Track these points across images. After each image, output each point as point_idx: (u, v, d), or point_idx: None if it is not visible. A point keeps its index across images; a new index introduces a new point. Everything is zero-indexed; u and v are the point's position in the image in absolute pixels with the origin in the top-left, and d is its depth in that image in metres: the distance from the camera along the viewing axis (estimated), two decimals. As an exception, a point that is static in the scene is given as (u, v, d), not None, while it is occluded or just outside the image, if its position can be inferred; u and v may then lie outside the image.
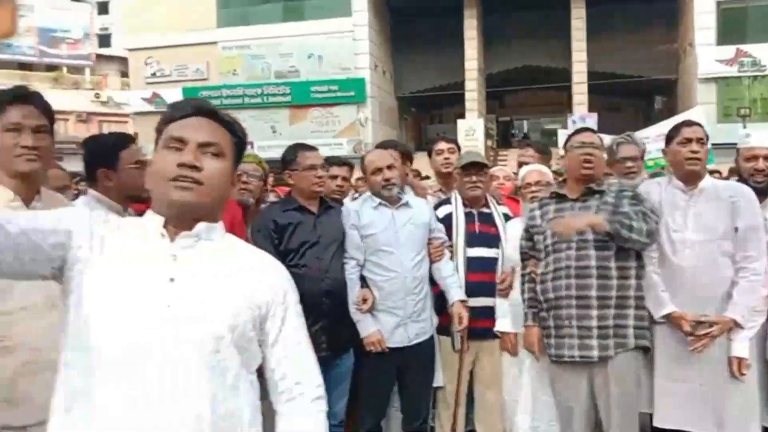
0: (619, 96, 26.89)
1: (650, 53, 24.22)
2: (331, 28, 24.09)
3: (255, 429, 1.31)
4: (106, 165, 2.39)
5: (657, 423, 2.79)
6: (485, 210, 3.30)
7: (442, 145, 3.85)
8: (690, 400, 2.71)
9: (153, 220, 1.28)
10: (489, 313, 3.17)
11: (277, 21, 24.81)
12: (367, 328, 2.96)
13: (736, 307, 2.64)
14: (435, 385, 3.20)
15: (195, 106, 1.33)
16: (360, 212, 3.05)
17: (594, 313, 2.66)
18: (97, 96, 29.86)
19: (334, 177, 3.54)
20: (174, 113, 1.32)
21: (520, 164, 3.73)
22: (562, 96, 26.53)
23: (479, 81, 25.26)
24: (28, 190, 1.88)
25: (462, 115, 24.56)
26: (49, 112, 1.93)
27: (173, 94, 25.39)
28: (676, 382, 2.74)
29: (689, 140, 2.79)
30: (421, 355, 3.08)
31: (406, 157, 3.73)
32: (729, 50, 21.46)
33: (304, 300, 2.76)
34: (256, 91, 24.75)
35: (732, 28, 21.64)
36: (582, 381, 2.73)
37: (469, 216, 3.25)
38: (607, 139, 3.63)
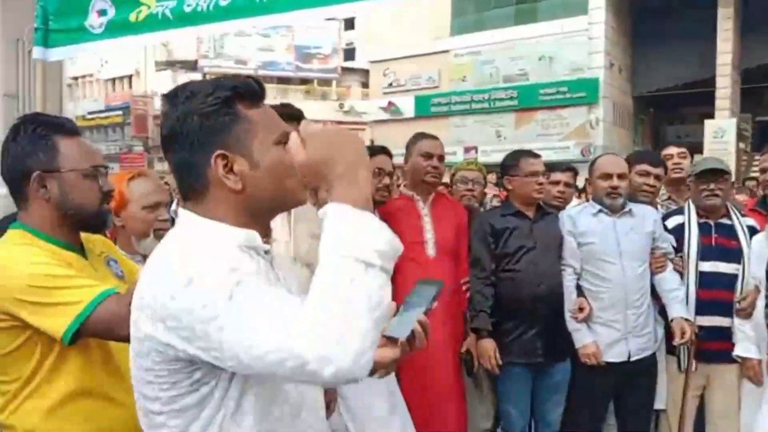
0: None
1: None
2: (564, 29, 23.46)
3: None
4: None
5: None
6: (725, 221, 3.03)
7: (672, 150, 3.71)
8: None
9: None
10: (723, 334, 2.91)
11: (509, 25, 24.81)
12: (583, 338, 2.91)
13: None
14: (656, 407, 3.04)
15: None
16: (577, 219, 3.02)
17: None
18: (340, 106, 32.83)
19: (556, 183, 3.54)
20: None
21: (763, 170, 3.34)
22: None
23: (733, 77, 22.48)
24: None
25: (709, 115, 22.08)
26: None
27: (406, 102, 27.01)
28: None
29: None
30: (641, 373, 2.95)
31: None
32: None
33: (519, 304, 2.89)
34: (483, 96, 25.06)
35: None
36: None
37: (704, 227, 3.01)
38: None
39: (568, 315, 2.95)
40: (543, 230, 3.02)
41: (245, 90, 1.13)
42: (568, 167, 3.69)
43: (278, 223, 2.13)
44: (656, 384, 3.02)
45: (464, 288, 3.04)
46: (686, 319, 2.86)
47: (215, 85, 1.12)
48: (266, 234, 1.18)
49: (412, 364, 2.73)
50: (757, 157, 4.39)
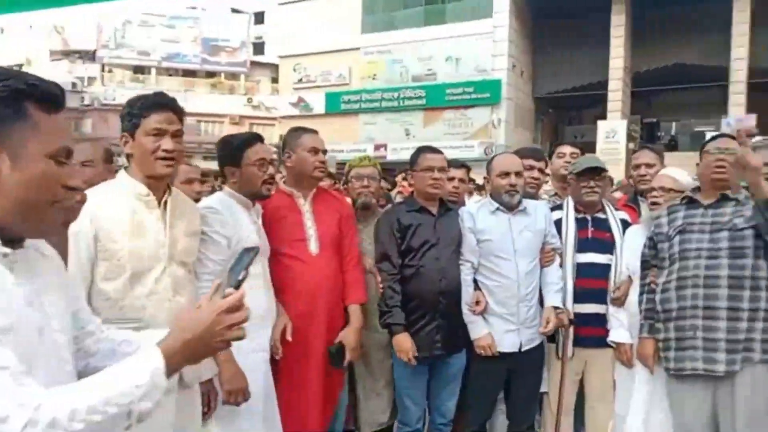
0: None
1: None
2: (471, 31, 24.09)
3: None
4: (232, 163, 2.61)
5: None
6: (600, 215, 3.23)
7: (566, 149, 3.84)
8: None
9: None
10: (599, 320, 3.11)
11: (419, 25, 25.22)
12: (479, 330, 3.00)
13: None
14: (542, 390, 3.20)
15: None
16: (476, 216, 3.09)
17: (722, 324, 2.54)
18: (249, 101, 32.19)
19: (452, 179, 3.61)
20: None
21: (635, 167, 3.62)
22: (715, 96, 24.38)
23: (624, 80, 23.96)
24: (161, 187, 2.10)
25: (603, 117, 23.46)
26: (183, 117, 2.12)
27: (317, 98, 26.84)
28: None
29: None
30: (530, 362, 3.08)
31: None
32: None
33: (421, 298, 2.95)
34: (393, 94, 25.31)
35: None
36: (704, 398, 2.61)
37: (581, 222, 3.20)
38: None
39: (465, 308, 3.03)
40: (445, 226, 3.08)
41: (43, 91, 1.08)
42: (462, 164, 3.79)
43: (153, 220, 2.07)
44: (542, 371, 3.18)
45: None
46: (556, 308, 3.04)
47: (11, 75, 1.06)
48: (38, 235, 1.15)
49: (288, 358, 2.73)
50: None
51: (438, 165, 3.06)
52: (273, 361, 2.69)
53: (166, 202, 2.11)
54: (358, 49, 26.18)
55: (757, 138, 3.32)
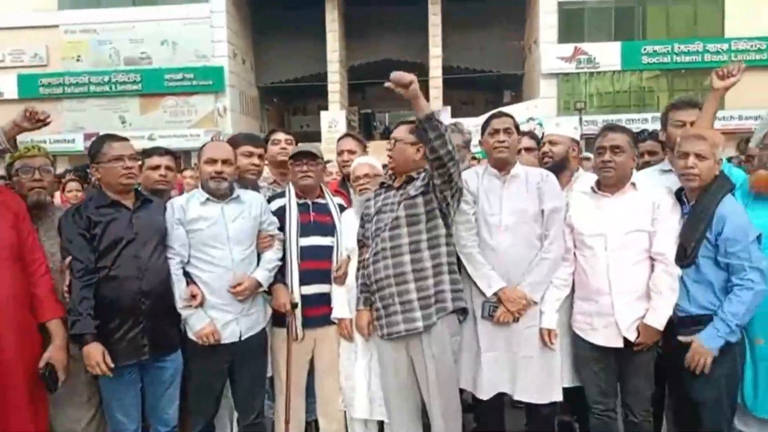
0: (472, 90, 28.29)
1: (501, 49, 25.75)
2: (186, 14, 23.16)
3: None
4: None
5: (480, 395, 2.99)
6: (320, 201, 3.33)
7: (280, 136, 3.90)
8: (505, 367, 2.94)
9: None
10: (325, 300, 3.20)
11: (127, 5, 23.56)
12: (199, 321, 2.89)
13: (527, 285, 2.88)
14: (269, 375, 3.20)
15: None
16: (186, 207, 2.96)
17: (412, 286, 2.82)
18: None
19: (156, 167, 3.35)
20: None
21: (339, 152, 3.83)
22: (420, 89, 27.39)
23: (341, 73, 25.45)
24: None
25: (325, 107, 24.64)
26: None
27: (7, 81, 23.19)
28: (490, 351, 2.95)
29: (497, 131, 3.02)
30: (251, 350, 3.05)
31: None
32: (568, 48, 23.37)
33: (119, 302, 2.67)
34: (102, 78, 23.25)
35: (571, 27, 23.56)
36: (401, 355, 2.89)
37: (303, 206, 3.26)
38: None
39: (180, 304, 2.88)
40: (144, 219, 2.87)
41: None
42: (167, 151, 3.53)
43: None
44: (267, 356, 3.18)
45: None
46: (259, 283, 3.04)
47: None
48: None
49: None
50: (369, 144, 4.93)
51: (128, 153, 2.85)
52: None
53: None
54: (56, 26, 23.29)
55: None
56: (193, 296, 2.88)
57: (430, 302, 2.83)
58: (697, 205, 2.69)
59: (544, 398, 2.95)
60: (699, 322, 2.66)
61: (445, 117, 19.68)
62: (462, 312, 2.94)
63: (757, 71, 19.21)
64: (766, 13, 21.79)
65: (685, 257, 2.68)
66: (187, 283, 2.91)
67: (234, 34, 24.26)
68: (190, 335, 2.92)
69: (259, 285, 3.02)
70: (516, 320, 2.89)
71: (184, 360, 2.96)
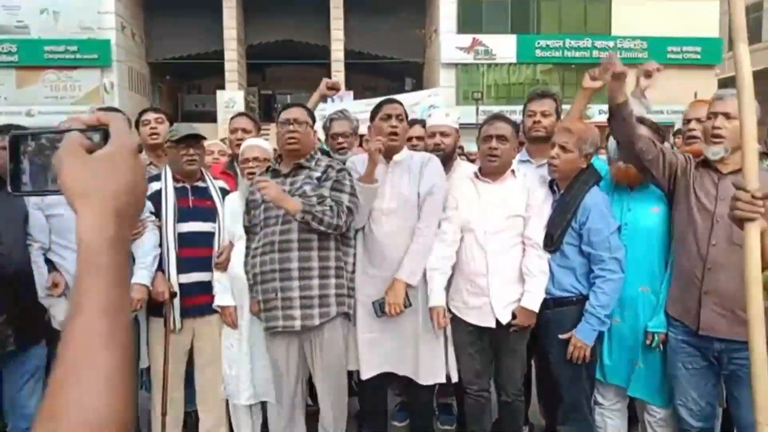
0: (374, 76, 28.38)
1: (403, 37, 25.95)
2: (69, -19, 21.52)
3: None
4: None
5: (364, 375, 3.03)
6: (200, 184, 3.21)
7: (149, 116, 3.73)
8: (390, 347, 2.99)
9: None
10: (205, 288, 3.11)
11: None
12: (63, 311, 2.73)
13: (403, 269, 2.90)
14: (142, 366, 3.09)
15: None
16: None
17: (296, 284, 2.76)
18: None
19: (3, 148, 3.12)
20: None
21: (233, 131, 3.71)
22: (323, 73, 27.08)
23: (239, 52, 24.69)
24: None
25: (222, 86, 23.84)
26: None
27: None
28: (374, 332, 2.99)
29: (389, 116, 3.03)
30: None
31: None
32: (467, 39, 23.94)
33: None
34: (-29, 47, 21.19)
35: (470, 18, 24.12)
36: (292, 349, 2.86)
37: (181, 191, 3.13)
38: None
39: (42, 293, 2.72)
40: (3, 203, 2.65)
41: None
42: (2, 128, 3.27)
43: None
44: (139, 347, 3.05)
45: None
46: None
47: None
48: None
49: None
50: (264, 127, 4.80)
51: None
52: None
53: None
54: None
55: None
56: (55, 285, 2.72)
57: (313, 303, 2.78)
58: (565, 194, 2.85)
59: (429, 380, 3.01)
60: (561, 303, 2.83)
61: (348, 101, 19.62)
62: (346, 316, 2.91)
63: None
64: (647, 14, 23.30)
65: (551, 243, 2.83)
66: (49, 271, 2.75)
67: (123, 6, 22.85)
68: (55, 325, 2.77)
69: (148, 289, 2.88)
70: (408, 306, 2.90)
71: (49, 351, 2.79)
